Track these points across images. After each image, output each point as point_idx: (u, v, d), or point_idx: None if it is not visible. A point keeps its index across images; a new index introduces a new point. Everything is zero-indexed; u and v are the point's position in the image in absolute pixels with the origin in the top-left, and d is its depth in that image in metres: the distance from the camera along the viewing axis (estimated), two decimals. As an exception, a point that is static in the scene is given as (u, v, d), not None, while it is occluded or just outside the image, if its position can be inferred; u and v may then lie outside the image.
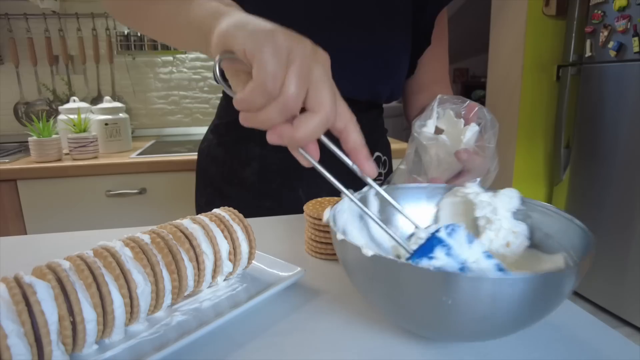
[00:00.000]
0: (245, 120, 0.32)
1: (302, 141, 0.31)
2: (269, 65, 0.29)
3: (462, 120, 0.53)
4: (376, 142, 0.79)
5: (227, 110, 0.76)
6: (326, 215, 0.37)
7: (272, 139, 0.32)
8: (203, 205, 0.78)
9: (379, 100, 0.74)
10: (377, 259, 0.29)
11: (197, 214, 0.78)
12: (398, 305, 0.32)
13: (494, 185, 0.47)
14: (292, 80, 0.30)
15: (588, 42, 1.93)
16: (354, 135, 0.34)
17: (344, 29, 0.65)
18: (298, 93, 0.30)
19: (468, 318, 0.29)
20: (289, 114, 0.31)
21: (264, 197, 0.72)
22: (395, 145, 1.54)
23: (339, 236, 0.32)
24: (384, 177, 0.81)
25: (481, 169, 0.52)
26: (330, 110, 0.31)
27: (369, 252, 0.30)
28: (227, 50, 0.32)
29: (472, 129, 0.51)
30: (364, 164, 0.35)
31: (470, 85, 4.34)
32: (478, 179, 0.51)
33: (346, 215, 0.41)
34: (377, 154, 0.78)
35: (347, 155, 0.35)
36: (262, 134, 0.79)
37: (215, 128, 0.77)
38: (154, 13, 0.48)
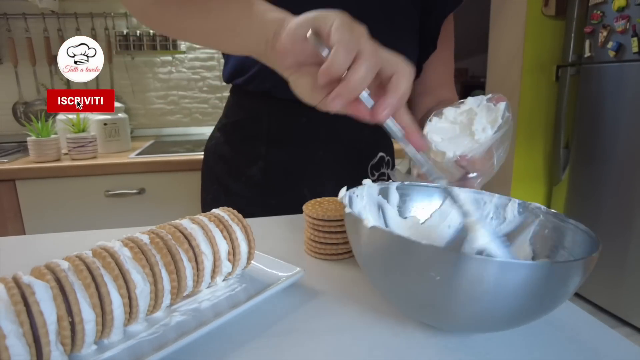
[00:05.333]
0: (337, 96, 0.35)
1: (356, 85, 0.34)
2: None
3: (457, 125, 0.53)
4: (379, 142, 0.80)
5: (234, 110, 0.77)
6: (341, 193, 0.38)
7: (333, 103, 0.35)
8: (209, 201, 0.80)
9: None
10: (375, 231, 0.30)
11: (203, 210, 0.79)
12: (397, 283, 0.32)
13: (493, 185, 0.47)
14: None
15: (587, 42, 1.93)
16: (405, 116, 0.38)
17: None
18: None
19: (466, 300, 0.29)
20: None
21: (268, 195, 0.73)
22: (398, 145, 1.54)
23: (347, 210, 0.34)
24: (387, 177, 0.81)
25: (486, 171, 0.52)
26: (372, 55, 0.35)
27: (369, 223, 0.30)
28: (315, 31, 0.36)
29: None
30: (414, 138, 0.39)
31: (469, 85, 4.33)
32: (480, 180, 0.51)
33: (365, 201, 0.41)
34: (380, 154, 0.79)
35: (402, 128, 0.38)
36: (268, 133, 0.79)
37: (223, 127, 0.79)
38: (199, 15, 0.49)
